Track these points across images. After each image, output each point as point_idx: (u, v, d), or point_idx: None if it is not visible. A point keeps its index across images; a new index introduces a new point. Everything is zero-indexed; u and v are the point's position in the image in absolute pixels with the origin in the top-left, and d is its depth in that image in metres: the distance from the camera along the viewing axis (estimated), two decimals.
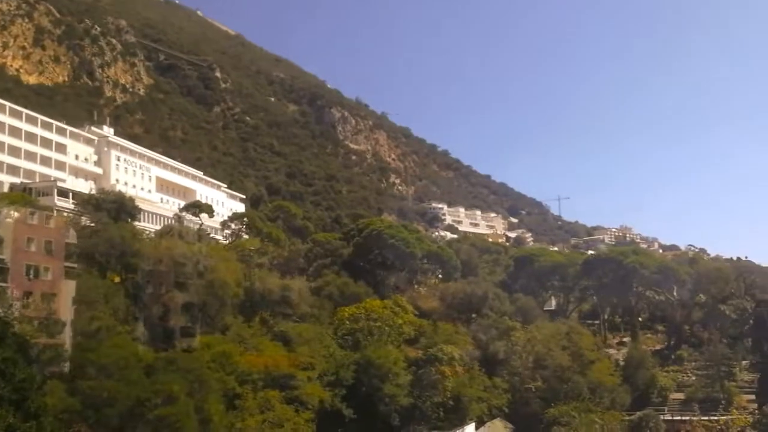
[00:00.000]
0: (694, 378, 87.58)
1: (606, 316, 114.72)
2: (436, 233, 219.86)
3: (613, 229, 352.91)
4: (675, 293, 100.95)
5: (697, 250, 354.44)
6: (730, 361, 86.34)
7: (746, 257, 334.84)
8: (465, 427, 69.56)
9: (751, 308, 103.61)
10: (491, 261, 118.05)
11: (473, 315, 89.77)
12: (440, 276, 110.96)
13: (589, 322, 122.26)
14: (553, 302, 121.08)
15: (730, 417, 69.30)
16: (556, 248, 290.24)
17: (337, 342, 68.29)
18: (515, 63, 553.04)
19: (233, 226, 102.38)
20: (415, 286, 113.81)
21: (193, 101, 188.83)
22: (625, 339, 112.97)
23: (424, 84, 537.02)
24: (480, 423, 71.79)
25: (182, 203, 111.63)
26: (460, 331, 77.25)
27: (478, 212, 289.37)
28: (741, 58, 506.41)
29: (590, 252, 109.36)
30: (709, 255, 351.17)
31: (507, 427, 73.61)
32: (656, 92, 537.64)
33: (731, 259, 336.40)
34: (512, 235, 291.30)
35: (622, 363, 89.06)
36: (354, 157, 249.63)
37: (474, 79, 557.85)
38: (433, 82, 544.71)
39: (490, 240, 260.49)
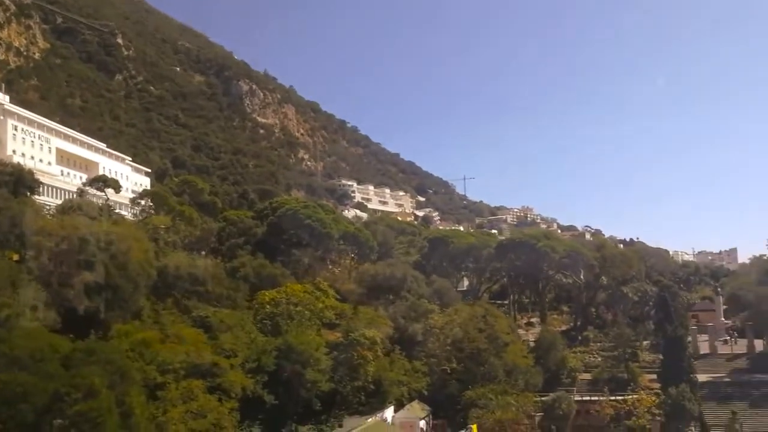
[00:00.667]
0: (600, 359, 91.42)
1: (515, 297, 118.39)
2: (347, 211, 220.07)
3: (515, 210, 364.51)
4: (582, 276, 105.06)
5: (593, 230, 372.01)
6: (634, 342, 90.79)
7: (638, 238, 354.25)
8: (385, 410, 70.42)
9: (651, 291, 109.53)
10: (406, 242, 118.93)
11: (391, 297, 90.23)
12: (355, 257, 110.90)
13: (498, 302, 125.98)
14: (465, 282, 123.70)
15: (636, 397, 72.54)
16: (461, 227, 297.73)
17: (257, 327, 67.00)
18: (424, 42, 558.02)
19: (143, 202, 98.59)
20: (330, 267, 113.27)
21: (93, 68, 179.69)
22: (532, 319, 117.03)
23: (331, 58, 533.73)
24: (399, 406, 72.68)
25: (84, 177, 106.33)
26: (381, 314, 77.16)
27: (387, 190, 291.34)
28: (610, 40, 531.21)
29: (501, 238, 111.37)
30: (603, 235, 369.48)
31: (424, 409, 74.62)
32: (553, 75, 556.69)
33: (625, 240, 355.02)
34: (420, 213, 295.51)
35: (531, 343, 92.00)
36: (262, 131, 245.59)
37: (382, 55, 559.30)
38: (341, 56, 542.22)
39: (399, 218, 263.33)
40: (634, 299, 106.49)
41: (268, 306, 70.19)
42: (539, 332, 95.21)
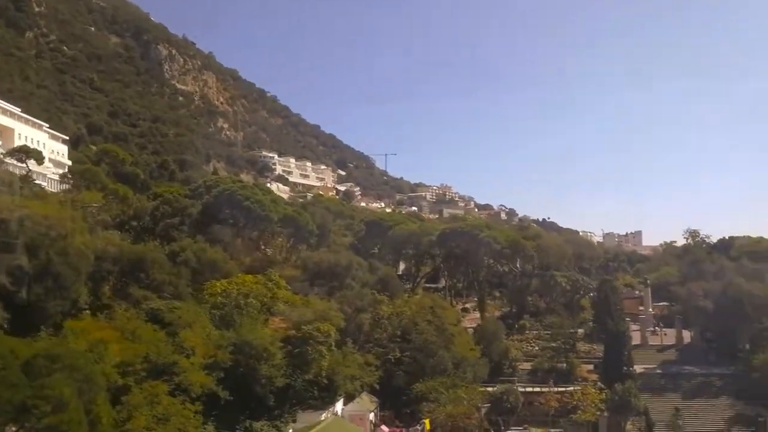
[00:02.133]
0: (537, 348, 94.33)
1: (449, 283, 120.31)
2: (268, 184, 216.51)
3: (434, 187, 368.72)
4: (518, 265, 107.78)
5: (507, 209, 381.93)
6: (573, 333, 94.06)
7: (549, 218, 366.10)
8: (336, 403, 70.44)
9: (583, 280, 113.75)
10: (344, 225, 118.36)
11: (335, 284, 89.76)
12: (291, 240, 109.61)
13: (431, 286, 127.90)
14: (401, 267, 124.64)
15: (581, 390, 75.10)
16: (382, 203, 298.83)
17: (209, 319, 65.27)
18: (346, 11, 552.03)
19: (69, 177, 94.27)
20: (263, 248, 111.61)
21: (1, 24, 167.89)
22: (467, 305, 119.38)
23: (250, 24, 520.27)
24: (348, 398, 72.78)
25: None
26: (332, 306, 76.64)
27: (309, 163, 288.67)
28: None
29: (444, 226, 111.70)
30: (517, 215, 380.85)
31: (373, 401, 75.14)
32: (474, 47, 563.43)
33: (538, 220, 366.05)
34: (342, 188, 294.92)
35: (470, 330, 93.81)
36: (181, 98, 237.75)
37: (303, 24, 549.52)
38: (260, 23, 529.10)
39: (321, 193, 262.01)
40: (566, 288, 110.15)
41: (219, 297, 68.23)
42: (480, 322, 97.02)
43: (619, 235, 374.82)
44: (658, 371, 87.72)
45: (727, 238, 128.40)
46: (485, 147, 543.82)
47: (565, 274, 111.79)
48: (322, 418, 65.38)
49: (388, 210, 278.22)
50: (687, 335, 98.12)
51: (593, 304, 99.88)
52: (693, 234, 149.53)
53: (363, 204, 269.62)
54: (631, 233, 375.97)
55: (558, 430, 73.80)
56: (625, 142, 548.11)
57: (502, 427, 73.78)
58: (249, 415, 63.02)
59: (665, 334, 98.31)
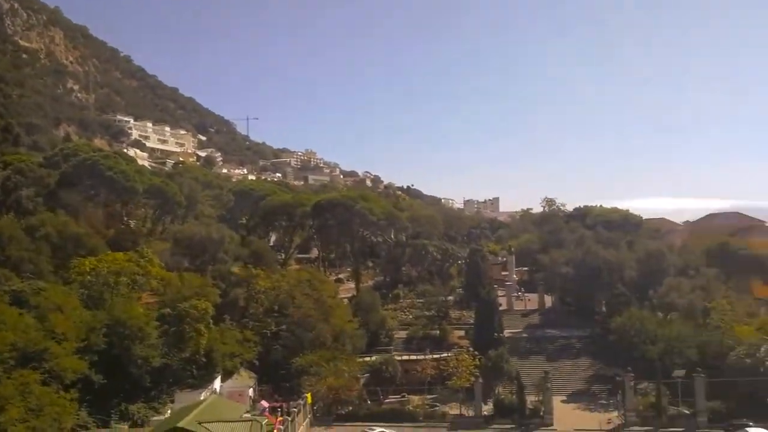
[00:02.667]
0: (411, 317, 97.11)
1: (322, 254, 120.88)
2: (125, 150, 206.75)
3: (299, 153, 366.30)
4: (392, 235, 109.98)
5: (372, 176, 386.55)
6: (445, 301, 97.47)
7: (413, 185, 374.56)
8: (214, 381, 69.42)
9: (452, 249, 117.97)
10: (213, 196, 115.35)
11: (207, 259, 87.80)
12: (158, 212, 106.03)
13: (303, 257, 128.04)
14: (273, 238, 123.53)
15: (455, 357, 78.03)
16: (245, 169, 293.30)
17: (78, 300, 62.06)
18: None
19: None
20: (127, 221, 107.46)
21: None
22: (341, 275, 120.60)
23: None
24: (226, 374, 71.89)
25: None
26: (207, 281, 74.97)
27: (167, 128, 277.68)
28: None
29: (320, 198, 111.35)
30: (382, 182, 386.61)
31: (251, 377, 74.65)
32: (330, 14, 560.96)
33: (403, 187, 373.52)
34: (202, 154, 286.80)
35: (346, 301, 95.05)
36: (25, 56, 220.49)
37: None
38: None
39: (182, 159, 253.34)
40: (437, 257, 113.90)
41: (88, 276, 64.89)
42: (356, 292, 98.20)
43: (478, 202, 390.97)
44: (524, 335, 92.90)
45: (581, 207, 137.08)
46: (350, 113, 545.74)
47: (435, 243, 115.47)
48: (202, 397, 64.24)
49: (251, 177, 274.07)
50: (548, 300, 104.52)
51: (464, 272, 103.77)
52: (549, 202, 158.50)
53: (225, 170, 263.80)
54: (489, 200, 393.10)
55: (434, 396, 76.65)
56: (484, 112, 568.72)
57: (381, 397, 75.58)
58: (124, 398, 61.01)
59: (529, 300, 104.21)
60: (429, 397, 76.79)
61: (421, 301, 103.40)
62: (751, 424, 65.33)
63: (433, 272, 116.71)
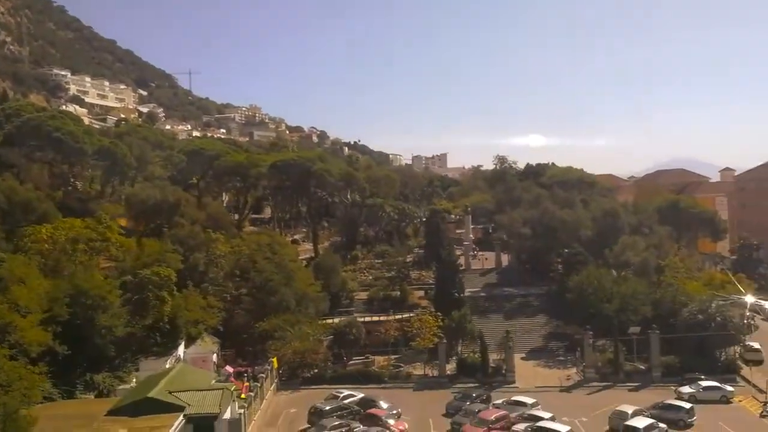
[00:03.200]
0: (371, 278, 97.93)
1: (277, 215, 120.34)
2: (64, 106, 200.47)
3: (243, 108, 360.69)
4: (348, 196, 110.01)
5: (318, 132, 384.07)
6: (405, 262, 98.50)
7: (359, 141, 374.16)
8: (177, 348, 69.24)
9: (408, 209, 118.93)
10: (164, 157, 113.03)
11: (163, 223, 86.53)
12: (106, 173, 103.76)
13: (257, 217, 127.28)
14: (225, 199, 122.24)
15: (418, 318, 79.32)
16: (188, 125, 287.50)
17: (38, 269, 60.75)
18: None
19: None
20: (74, 183, 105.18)
21: None
22: (296, 236, 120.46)
23: None
24: (189, 340, 71.69)
25: None
26: (169, 248, 74.01)
27: (106, 83, 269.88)
28: None
29: (277, 159, 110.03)
30: (329, 137, 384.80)
31: (215, 342, 74.63)
32: None
33: (350, 143, 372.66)
34: (144, 110, 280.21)
35: (304, 263, 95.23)
36: None
37: None
38: None
39: (123, 115, 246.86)
40: (394, 217, 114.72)
41: (45, 244, 63.39)
42: (313, 254, 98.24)
43: (426, 158, 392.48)
44: (482, 294, 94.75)
45: (534, 165, 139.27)
46: (294, 67, 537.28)
47: (392, 203, 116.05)
48: (167, 365, 64.17)
49: (196, 133, 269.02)
50: (505, 259, 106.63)
51: (422, 232, 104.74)
52: (501, 160, 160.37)
53: (168, 127, 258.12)
54: (438, 156, 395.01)
55: (397, 356, 78.12)
56: (431, 64, 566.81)
57: (345, 359, 76.60)
58: (88, 367, 60.37)
59: (486, 259, 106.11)
60: (392, 357, 78.31)
61: (379, 261, 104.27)
62: (703, 377, 68.90)
63: (390, 232, 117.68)
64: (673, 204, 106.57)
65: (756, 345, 78.40)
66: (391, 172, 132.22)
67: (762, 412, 61.88)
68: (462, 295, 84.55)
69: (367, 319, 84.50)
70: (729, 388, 66.61)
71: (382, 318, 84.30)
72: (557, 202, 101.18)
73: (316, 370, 72.70)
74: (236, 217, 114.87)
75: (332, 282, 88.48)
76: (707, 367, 71.84)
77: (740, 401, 65.64)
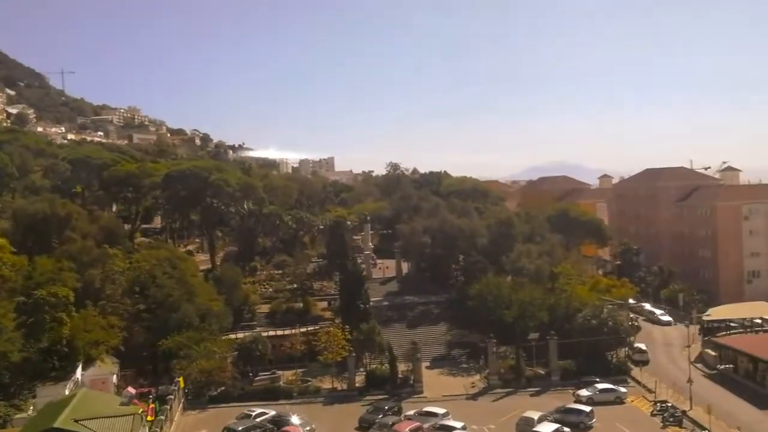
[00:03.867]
0: (271, 290, 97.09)
1: (167, 224, 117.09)
2: None
3: (122, 110, 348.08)
4: (245, 205, 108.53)
5: (201, 135, 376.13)
6: (306, 273, 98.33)
7: (243, 144, 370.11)
8: (76, 371, 66.40)
9: (306, 218, 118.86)
10: (47, 166, 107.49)
11: (52, 238, 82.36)
12: None
13: (146, 227, 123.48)
14: (114, 208, 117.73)
15: (325, 331, 79.41)
16: (62, 128, 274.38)
17: None
18: None
19: None
20: None
21: None
22: (189, 247, 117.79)
23: None
24: (87, 362, 68.80)
25: None
26: (64, 266, 70.59)
27: None
28: None
29: (171, 170, 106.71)
30: (212, 140, 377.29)
31: (114, 362, 72.00)
32: None
33: (234, 146, 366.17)
34: (13, 111, 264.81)
35: (206, 278, 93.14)
36: None
37: None
38: None
39: None
40: (292, 226, 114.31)
41: None
42: (211, 265, 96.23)
43: (313, 161, 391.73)
44: (385, 303, 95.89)
45: (428, 173, 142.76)
46: (176, 66, 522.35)
47: (290, 212, 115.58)
48: (67, 391, 61.45)
49: (71, 136, 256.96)
50: (405, 267, 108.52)
51: (323, 241, 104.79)
52: (394, 167, 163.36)
53: (40, 129, 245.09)
54: (325, 159, 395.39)
55: (304, 370, 78.08)
56: (308, 66, 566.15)
57: (251, 375, 75.75)
58: None
59: (387, 267, 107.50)
60: (299, 372, 78.15)
61: (279, 273, 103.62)
62: (597, 380, 73.24)
63: (286, 241, 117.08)
64: (563, 212, 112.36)
65: (642, 346, 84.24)
66: (288, 182, 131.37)
67: (653, 411, 66.56)
68: (368, 306, 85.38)
69: (272, 333, 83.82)
70: (622, 389, 71.27)
71: (287, 332, 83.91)
72: (454, 212, 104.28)
73: (222, 388, 71.55)
74: (126, 227, 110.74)
75: (234, 296, 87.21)
76: (601, 370, 76.44)
77: (632, 401, 70.33)
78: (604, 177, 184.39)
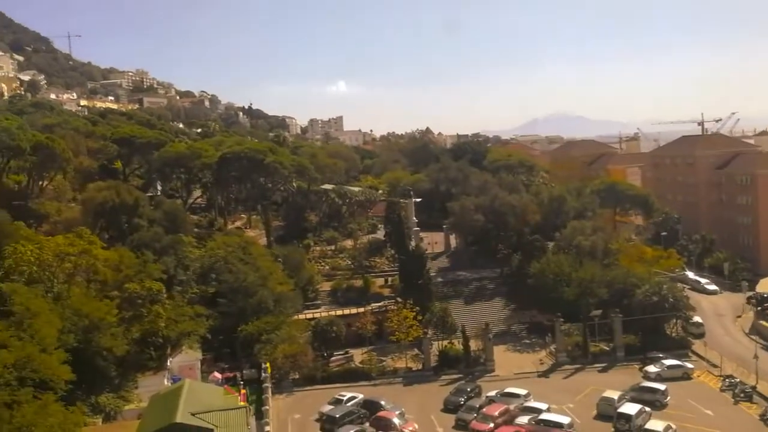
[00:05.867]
0: (327, 267, 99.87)
1: (220, 201, 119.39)
2: None
3: (130, 73, 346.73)
4: (294, 183, 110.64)
5: (210, 96, 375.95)
6: (363, 251, 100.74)
7: (252, 105, 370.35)
8: (168, 360, 69.51)
9: (350, 192, 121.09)
10: (96, 148, 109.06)
11: (123, 225, 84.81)
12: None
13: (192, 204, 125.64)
14: (159, 188, 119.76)
15: (395, 310, 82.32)
16: (74, 93, 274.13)
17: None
18: None
19: None
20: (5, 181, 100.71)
21: None
22: (237, 223, 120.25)
23: None
24: (174, 349, 71.86)
25: None
26: (148, 257, 73.20)
27: None
28: None
29: (225, 151, 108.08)
30: (220, 101, 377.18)
31: (197, 349, 74.94)
32: None
33: (245, 107, 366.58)
34: (25, 78, 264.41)
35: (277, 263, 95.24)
36: None
37: None
38: None
39: (2, 84, 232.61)
40: (337, 201, 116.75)
41: (34, 267, 61.50)
42: (269, 245, 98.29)
43: (322, 121, 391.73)
44: (440, 279, 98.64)
45: (462, 141, 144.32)
46: (182, 29, 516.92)
47: (334, 189, 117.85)
48: (165, 381, 64.69)
49: (83, 102, 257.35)
50: (452, 241, 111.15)
51: (384, 220, 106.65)
52: (423, 133, 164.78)
53: (53, 96, 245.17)
54: (333, 119, 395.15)
55: (371, 347, 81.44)
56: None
57: (325, 355, 78.90)
58: (87, 389, 60.01)
59: (436, 243, 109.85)
60: (366, 350, 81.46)
61: (331, 248, 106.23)
62: (661, 355, 76.52)
63: (330, 216, 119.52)
64: (611, 186, 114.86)
65: (698, 319, 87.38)
66: (336, 160, 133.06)
67: (721, 386, 69.85)
68: (431, 286, 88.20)
69: (341, 312, 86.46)
70: (689, 365, 74.41)
71: (353, 311, 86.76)
72: (504, 187, 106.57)
73: (302, 371, 74.55)
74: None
75: (299, 276, 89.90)
76: (661, 344, 79.73)
77: (698, 377, 73.55)
78: (631, 140, 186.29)
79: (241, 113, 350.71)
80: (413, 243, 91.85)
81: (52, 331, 52.52)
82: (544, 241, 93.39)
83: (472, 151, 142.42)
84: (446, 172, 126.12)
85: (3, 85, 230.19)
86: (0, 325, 49.57)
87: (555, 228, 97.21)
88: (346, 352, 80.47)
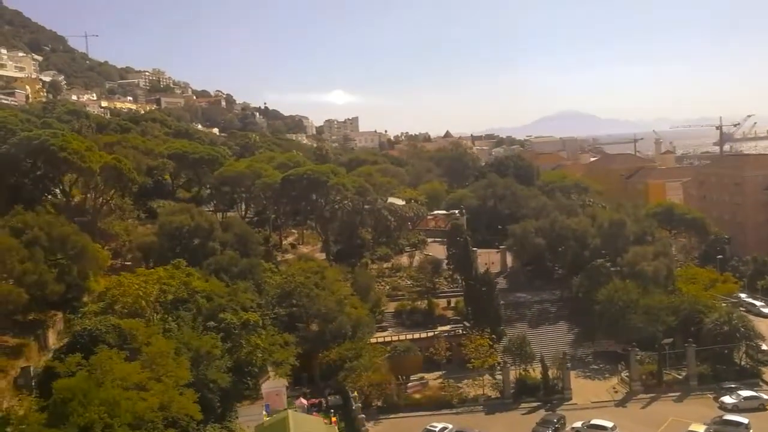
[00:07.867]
0: (388, 287, 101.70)
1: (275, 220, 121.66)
2: None
3: (147, 73, 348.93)
4: (349, 202, 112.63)
5: (225, 96, 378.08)
6: (434, 277, 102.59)
7: (265, 105, 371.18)
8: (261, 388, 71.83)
9: (402, 208, 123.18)
10: (155, 166, 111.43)
11: (197, 249, 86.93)
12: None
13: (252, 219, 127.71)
14: (211, 205, 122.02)
15: (470, 339, 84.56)
16: (93, 95, 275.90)
17: None
18: None
19: None
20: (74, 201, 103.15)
21: None
22: (289, 239, 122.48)
23: None
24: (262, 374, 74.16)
25: None
26: (239, 287, 75.48)
27: (3, 50, 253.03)
28: None
29: (288, 173, 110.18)
30: (235, 101, 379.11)
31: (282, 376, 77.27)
32: None
33: (260, 107, 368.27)
34: (47, 79, 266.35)
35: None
36: None
37: None
38: None
39: (27, 85, 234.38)
40: (390, 219, 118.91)
41: (141, 299, 63.87)
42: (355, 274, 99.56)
43: (338, 121, 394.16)
44: (501, 301, 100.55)
45: (505, 156, 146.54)
46: (197, 28, 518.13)
47: (387, 206, 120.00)
48: (264, 414, 67.05)
49: (104, 103, 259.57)
50: (509, 260, 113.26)
51: (447, 243, 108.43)
52: (456, 144, 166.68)
53: (75, 97, 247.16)
54: (349, 120, 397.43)
55: (442, 372, 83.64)
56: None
57: (402, 382, 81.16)
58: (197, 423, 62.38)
59: (492, 263, 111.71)
60: (439, 375, 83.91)
61: (387, 267, 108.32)
62: (734, 385, 78.78)
63: (381, 232, 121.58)
64: (668, 210, 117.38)
65: (764, 346, 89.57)
66: (390, 178, 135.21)
67: None
68: (500, 313, 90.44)
69: (412, 336, 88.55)
70: (765, 396, 76.61)
71: (428, 335, 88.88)
72: (560, 210, 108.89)
73: (384, 398, 76.86)
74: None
75: (367, 298, 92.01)
76: (733, 374, 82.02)
77: None
78: (666, 153, 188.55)
79: (257, 114, 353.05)
80: (476, 266, 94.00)
81: (184, 373, 54.94)
82: (608, 268, 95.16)
83: (515, 166, 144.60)
84: (494, 189, 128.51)
85: (27, 87, 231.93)
86: (136, 366, 51.87)
87: (615, 251, 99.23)
88: (422, 378, 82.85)
